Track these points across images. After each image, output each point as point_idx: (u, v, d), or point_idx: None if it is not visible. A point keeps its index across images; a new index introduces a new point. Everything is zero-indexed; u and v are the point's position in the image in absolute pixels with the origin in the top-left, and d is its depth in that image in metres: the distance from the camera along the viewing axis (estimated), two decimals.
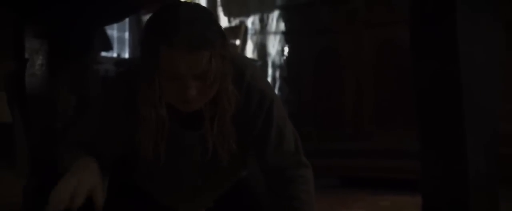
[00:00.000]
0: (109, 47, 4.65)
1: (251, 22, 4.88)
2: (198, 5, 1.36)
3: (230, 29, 4.96)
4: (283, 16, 4.32)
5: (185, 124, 1.36)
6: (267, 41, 4.76)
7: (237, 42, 4.81)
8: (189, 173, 1.43)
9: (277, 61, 4.63)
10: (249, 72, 1.37)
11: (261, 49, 4.79)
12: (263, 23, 4.80)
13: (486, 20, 0.98)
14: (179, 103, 1.27)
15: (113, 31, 5.28)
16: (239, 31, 4.86)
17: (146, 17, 5.69)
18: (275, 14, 4.69)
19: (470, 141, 0.94)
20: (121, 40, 5.45)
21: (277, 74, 4.62)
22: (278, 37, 4.64)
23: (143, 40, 1.27)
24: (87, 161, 1.30)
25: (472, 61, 0.94)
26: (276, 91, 4.59)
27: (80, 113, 1.72)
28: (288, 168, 1.41)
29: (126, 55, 5.62)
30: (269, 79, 4.68)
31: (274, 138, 1.39)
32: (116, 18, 2.01)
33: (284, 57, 4.00)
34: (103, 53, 4.70)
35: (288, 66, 3.83)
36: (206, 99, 1.28)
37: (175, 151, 1.38)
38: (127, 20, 5.28)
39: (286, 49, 3.82)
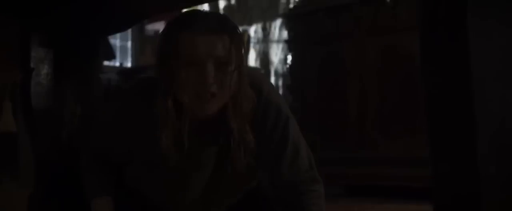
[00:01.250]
0: (112, 56, 4.67)
1: (254, 30, 4.89)
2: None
3: None
4: (286, 25, 4.33)
5: (202, 138, 1.33)
6: (269, 49, 4.76)
7: None
8: (201, 184, 1.42)
9: (280, 69, 4.64)
10: (266, 88, 1.36)
11: (264, 57, 4.79)
12: (266, 31, 4.81)
13: (497, 26, 0.97)
14: (197, 100, 1.23)
15: (115, 40, 5.29)
16: None
17: (149, 27, 5.71)
18: (278, 22, 4.70)
19: (482, 148, 0.93)
20: (123, 49, 5.46)
21: (280, 82, 4.62)
22: (280, 46, 4.64)
23: (160, 41, 1.28)
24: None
25: (483, 67, 0.93)
26: None
27: (85, 122, 1.71)
28: (301, 183, 1.40)
29: (129, 64, 5.63)
30: None
31: (289, 154, 1.38)
32: (121, 28, 2.01)
33: (287, 66, 4.00)
34: (106, 62, 4.71)
35: (292, 75, 3.82)
36: (224, 98, 1.25)
37: (189, 165, 1.36)
38: (129, 29, 5.29)
39: (289, 58, 3.82)
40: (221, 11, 5.13)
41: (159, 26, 5.01)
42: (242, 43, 1.26)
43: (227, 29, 1.23)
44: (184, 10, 1.46)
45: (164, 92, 1.25)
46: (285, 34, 4.32)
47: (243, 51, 1.26)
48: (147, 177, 1.42)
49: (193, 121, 1.28)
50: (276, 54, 4.70)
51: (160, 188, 1.44)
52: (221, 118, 1.28)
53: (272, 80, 4.70)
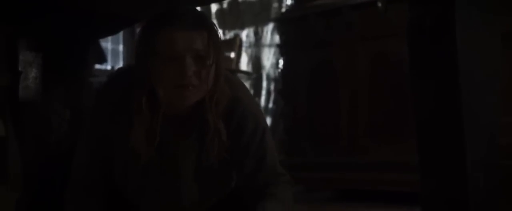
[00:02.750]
0: (103, 60, 4.65)
1: (246, 35, 4.88)
2: None
3: (224, 42, 4.96)
4: (278, 29, 4.33)
5: (176, 132, 1.37)
6: (261, 54, 4.75)
7: (232, 55, 4.81)
8: (181, 183, 1.42)
9: (272, 74, 4.63)
10: (245, 99, 1.41)
11: (256, 62, 4.78)
12: (258, 36, 4.80)
13: (485, 35, 0.97)
14: (177, 91, 1.26)
15: (107, 44, 5.27)
16: (234, 44, 4.86)
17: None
18: (270, 27, 4.70)
19: (470, 156, 0.93)
20: (115, 53, 5.44)
21: (272, 87, 4.62)
22: (272, 50, 4.64)
23: (139, 38, 1.30)
24: None
25: (471, 77, 0.94)
26: (271, 104, 4.60)
27: (74, 126, 1.71)
28: (269, 185, 1.43)
29: None
30: (264, 92, 4.68)
31: (265, 166, 1.42)
32: (111, 31, 2.00)
33: (279, 70, 4.00)
34: (97, 66, 4.69)
35: (283, 79, 3.82)
36: (202, 90, 1.29)
37: (166, 161, 1.37)
38: (121, 32, 5.27)
39: (281, 62, 3.81)
40: (213, 15, 5.12)
41: None
42: (219, 38, 1.32)
43: (204, 25, 1.28)
44: None
45: (139, 87, 1.27)
46: (277, 38, 4.32)
47: (220, 47, 1.31)
48: (130, 179, 1.42)
49: (168, 116, 1.31)
50: (268, 58, 4.70)
51: (142, 190, 1.44)
52: (196, 111, 1.32)
53: (264, 84, 4.70)
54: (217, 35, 1.31)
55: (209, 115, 1.32)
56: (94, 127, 1.42)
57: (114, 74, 1.47)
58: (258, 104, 1.60)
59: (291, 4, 4.05)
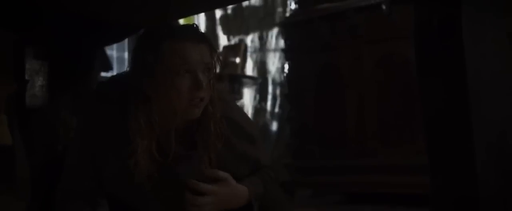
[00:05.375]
0: (108, 67, 4.66)
1: (251, 40, 4.88)
2: None
3: (229, 47, 4.96)
4: (283, 33, 4.32)
5: (177, 142, 1.37)
6: (267, 58, 4.75)
7: (237, 60, 4.81)
8: (181, 190, 1.42)
9: (278, 78, 4.63)
10: (236, 113, 1.45)
11: (261, 66, 4.78)
12: (263, 40, 4.80)
13: (492, 34, 0.97)
14: (190, 104, 1.27)
15: (112, 51, 5.28)
16: (239, 49, 4.86)
17: None
18: (274, 31, 4.70)
19: (479, 156, 0.92)
20: (120, 60, 5.44)
21: (278, 91, 4.61)
22: (278, 54, 4.64)
23: (138, 47, 1.29)
24: None
25: (479, 76, 0.93)
26: (277, 109, 4.59)
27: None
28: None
29: None
30: (270, 97, 4.68)
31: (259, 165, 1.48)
32: (116, 39, 2.01)
33: (285, 74, 4.00)
34: (103, 73, 4.70)
35: (289, 83, 3.81)
36: (206, 101, 1.31)
37: (167, 171, 1.37)
38: (126, 40, 5.28)
39: (287, 66, 3.81)
40: (218, 21, 5.12)
41: None
42: (216, 49, 1.36)
43: (205, 37, 1.32)
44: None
45: (144, 101, 1.27)
46: (282, 42, 4.32)
47: (219, 57, 1.35)
48: (129, 189, 1.40)
49: (166, 127, 1.31)
50: (273, 63, 4.69)
51: (145, 200, 1.43)
52: (197, 122, 1.34)
53: (270, 89, 4.69)
54: (214, 46, 1.36)
55: (211, 121, 1.34)
56: (88, 136, 1.39)
57: (107, 82, 1.45)
58: (247, 117, 1.64)
59: (296, 9, 4.05)
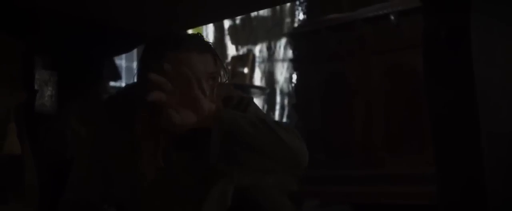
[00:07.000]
0: (117, 77, 4.68)
1: (259, 50, 4.89)
2: None
3: (238, 57, 4.97)
4: (291, 44, 4.33)
5: (180, 148, 1.37)
6: (275, 68, 4.76)
7: (245, 70, 4.82)
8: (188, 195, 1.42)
9: (285, 88, 4.63)
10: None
11: (269, 76, 4.79)
12: (271, 50, 4.81)
13: (500, 43, 0.97)
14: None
15: (121, 61, 5.30)
16: (247, 59, 4.87)
17: None
18: (282, 41, 4.70)
19: (489, 168, 0.92)
20: (129, 70, 5.47)
21: (286, 101, 4.61)
22: (286, 65, 4.64)
23: (144, 57, 1.30)
24: None
25: (488, 86, 0.93)
26: (285, 119, 4.58)
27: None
28: None
29: None
30: (278, 107, 4.68)
31: None
32: (125, 49, 2.02)
33: (293, 84, 4.00)
34: (112, 83, 4.72)
35: (297, 93, 3.81)
36: None
37: (173, 176, 1.37)
38: (135, 50, 5.31)
39: (294, 76, 3.81)
40: (226, 31, 5.14)
41: None
42: (221, 59, 1.36)
43: (209, 46, 1.32)
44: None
45: (150, 109, 1.27)
46: (290, 53, 4.32)
47: (223, 64, 1.36)
48: (136, 196, 1.40)
49: (172, 133, 1.31)
50: (282, 73, 4.70)
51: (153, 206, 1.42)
52: (200, 130, 1.31)
53: (278, 99, 4.70)
54: (219, 55, 1.36)
55: (215, 133, 1.31)
56: (97, 143, 1.39)
57: (116, 95, 1.47)
58: None
59: (304, 19, 4.05)
